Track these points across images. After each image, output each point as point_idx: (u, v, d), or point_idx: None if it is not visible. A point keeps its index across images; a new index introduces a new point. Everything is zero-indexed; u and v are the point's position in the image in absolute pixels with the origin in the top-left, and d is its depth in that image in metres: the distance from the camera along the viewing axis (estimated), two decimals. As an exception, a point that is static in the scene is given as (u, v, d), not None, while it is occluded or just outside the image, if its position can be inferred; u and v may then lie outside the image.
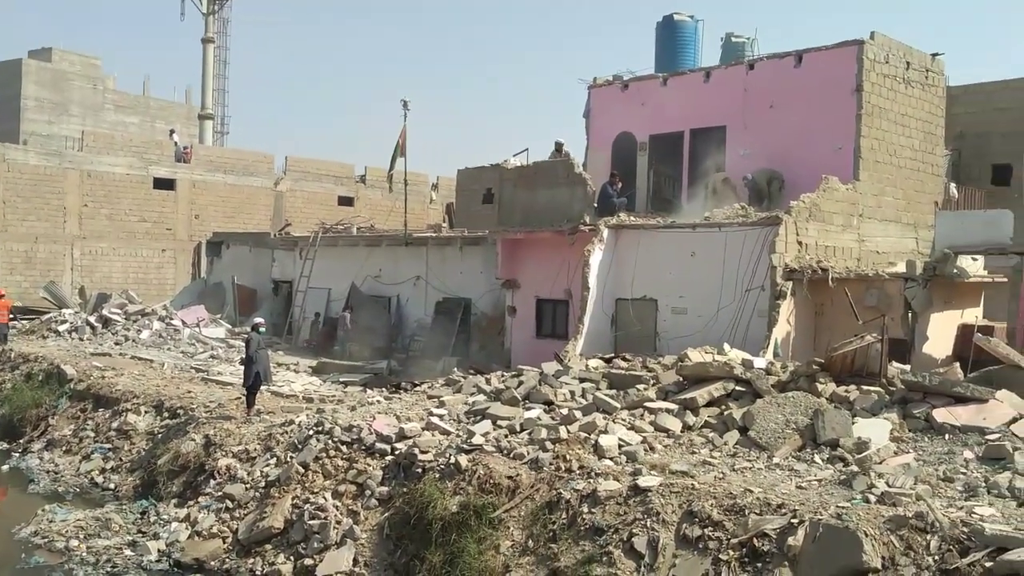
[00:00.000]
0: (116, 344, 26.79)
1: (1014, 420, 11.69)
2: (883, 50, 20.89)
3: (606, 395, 14.04)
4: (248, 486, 14.18)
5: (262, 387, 17.54)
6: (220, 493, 14.27)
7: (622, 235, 20.44)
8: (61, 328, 28.22)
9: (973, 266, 18.21)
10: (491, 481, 11.88)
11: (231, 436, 15.79)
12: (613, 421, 13.07)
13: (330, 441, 13.89)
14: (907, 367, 14.29)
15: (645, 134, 24.61)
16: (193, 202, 37.86)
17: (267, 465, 14.42)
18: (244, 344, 17.60)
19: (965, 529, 8.68)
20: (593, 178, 22.72)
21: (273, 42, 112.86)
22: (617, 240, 20.40)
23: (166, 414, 18.14)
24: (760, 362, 14.46)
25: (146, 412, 18.55)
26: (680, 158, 23.93)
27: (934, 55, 22.55)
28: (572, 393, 14.50)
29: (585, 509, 10.89)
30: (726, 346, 16.01)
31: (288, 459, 14.14)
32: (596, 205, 21.68)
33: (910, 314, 17.04)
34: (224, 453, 15.30)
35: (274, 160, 41.24)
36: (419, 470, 12.66)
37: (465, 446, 12.73)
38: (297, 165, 41.63)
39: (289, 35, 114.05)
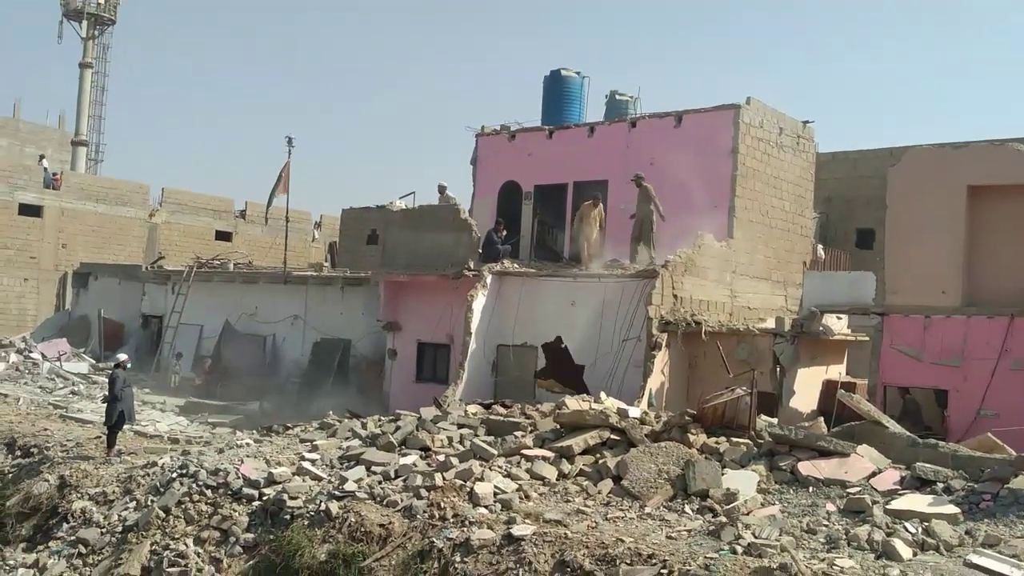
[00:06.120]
0: (-33, 377, 25.19)
1: (873, 474, 12.16)
2: (758, 115, 21.84)
3: (484, 442, 13.95)
4: (104, 531, 13.43)
5: (125, 426, 16.81)
6: (73, 538, 13.47)
7: (505, 282, 20.56)
8: (-94, 359, 26.39)
9: (838, 324, 19.06)
10: (362, 529, 11.60)
11: (88, 477, 14.99)
12: (490, 468, 12.97)
13: (194, 485, 13.33)
14: (774, 420, 14.73)
15: (530, 184, 24.95)
16: (61, 231, 36.18)
17: (126, 509, 13.72)
18: (108, 382, 16.84)
19: (826, 580, 8.92)
20: (478, 224, 22.85)
21: (156, 71, 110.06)
22: (500, 287, 20.50)
23: (18, 452, 17.08)
24: (635, 411, 14.66)
25: (-4, 450, 17.44)
26: (563, 209, 24.32)
27: (805, 122, 23.71)
28: (450, 439, 14.37)
29: (458, 558, 10.72)
30: (603, 395, 16.19)
31: (149, 503, 13.49)
32: (481, 251, 21.78)
33: (778, 369, 17.67)
34: (80, 495, 14.49)
35: (149, 191, 39.92)
36: (287, 517, 12.25)
37: (337, 492, 12.42)
38: (174, 197, 40.38)
39: (173, 66, 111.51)
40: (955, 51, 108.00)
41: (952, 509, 10.93)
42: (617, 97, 26.94)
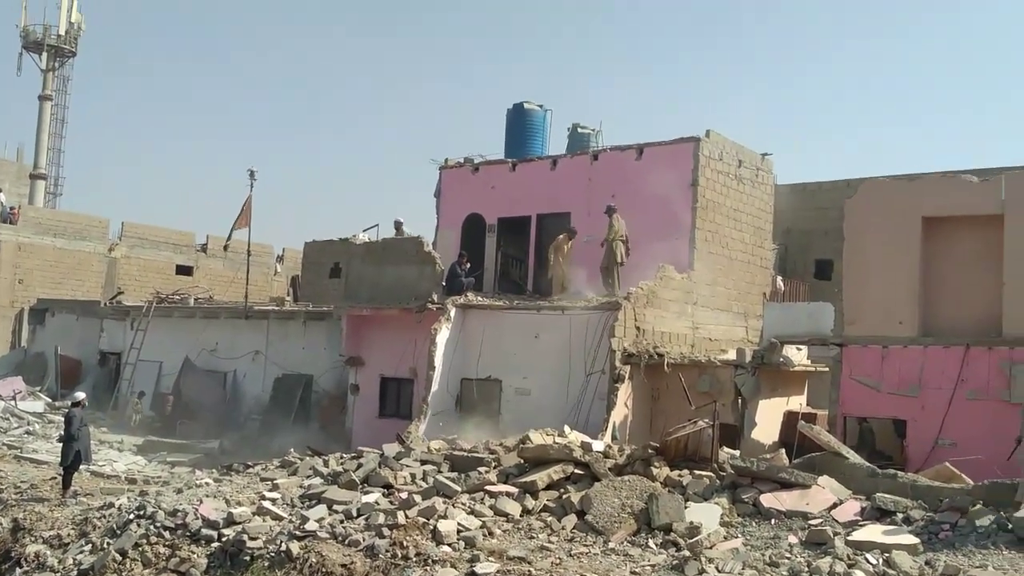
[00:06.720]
0: (-83, 417, 24.59)
1: (834, 505, 12.24)
2: (717, 147, 22.12)
3: (447, 478, 13.86)
4: (59, 575, 13.11)
5: (81, 467, 16.50)
6: (26, 583, 13.14)
7: (469, 315, 20.56)
8: None
9: (798, 355, 19.21)
10: (323, 569, 11.43)
11: (43, 520, 14.67)
12: (453, 505, 12.88)
13: (152, 526, 13.07)
14: (737, 452, 14.80)
15: (494, 216, 25.01)
16: (18, 266, 35.64)
17: (81, 552, 13.40)
18: (64, 421, 16.54)
19: (788, 614, 8.93)
20: (442, 257, 22.86)
21: (116, 103, 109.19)
22: (464, 320, 20.50)
23: (-30, 495, 16.68)
24: (598, 445, 14.65)
25: (-55, 493, 17.00)
26: (527, 241, 24.42)
27: (764, 155, 24.05)
28: (413, 476, 14.26)
29: (420, 598, 10.61)
30: (566, 428, 16.16)
31: (105, 545, 13.20)
32: (444, 284, 21.78)
33: (740, 400, 17.76)
34: (34, 539, 14.16)
35: (109, 225, 39.50)
36: (247, 558, 12.04)
37: (298, 532, 12.25)
38: (134, 231, 39.99)
39: (134, 98, 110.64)
40: (908, 83, 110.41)
41: (912, 539, 11.02)
42: (579, 130, 27.16)
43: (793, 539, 11.45)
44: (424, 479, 14.12)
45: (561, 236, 21.85)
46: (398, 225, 25.49)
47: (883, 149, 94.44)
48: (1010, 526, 11.07)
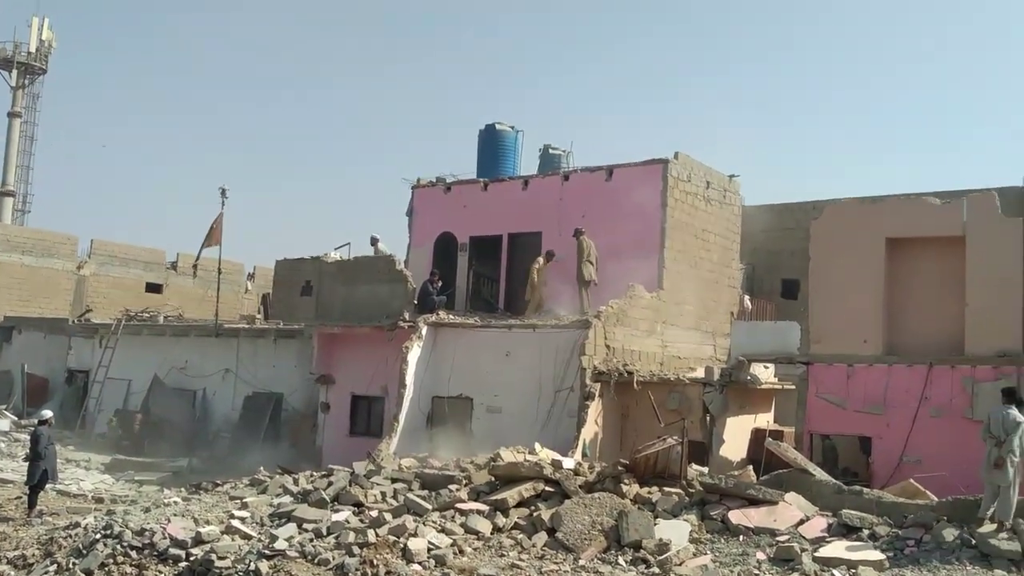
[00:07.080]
0: None
1: (801, 522, 12.40)
2: (686, 169, 22.38)
3: (418, 496, 13.85)
4: (23, 596, 12.95)
5: (47, 486, 16.32)
6: (-12, 605, 12.96)
7: (441, 333, 20.60)
8: None
9: (765, 373, 19.44)
10: (293, 588, 11.38)
11: (7, 540, 14.46)
12: (424, 523, 12.87)
13: (119, 546, 12.90)
14: (705, 469, 14.94)
15: (466, 235, 25.10)
16: (-16, 283, 35.23)
17: (46, 572, 13.20)
18: (31, 440, 16.38)
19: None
20: (414, 275, 22.92)
21: (87, 120, 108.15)
22: (436, 338, 20.54)
23: (-68, 515, 16.45)
24: (569, 462, 14.73)
25: (-94, 513, 16.74)
26: (499, 260, 24.53)
27: (731, 176, 24.36)
28: (383, 494, 14.22)
29: (391, 616, 10.59)
30: (537, 446, 16.22)
31: (71, 566, 13.01)
32: (416, 302, 21.81)
33: (708, 418, 17.93)
34: (-3, 560, 13.98)
35: (78, 242, 39.13)
36: (215, 577, 11.96)
37: (267, 551, 12.15)
38: (103, 248, 39.65)
39: (103, 116, 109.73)
40: (873, 106, 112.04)
41: (878, 555, 11.20)
42: (551, 151, 27.37)
43: (761, 555, 11.58)
44: (395, 497, 14.09)
45: (540, 258, 22.04)
46: (374, 241, 25.53)
47: (848, 171, 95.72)
48: (974, 542, 11.32)
